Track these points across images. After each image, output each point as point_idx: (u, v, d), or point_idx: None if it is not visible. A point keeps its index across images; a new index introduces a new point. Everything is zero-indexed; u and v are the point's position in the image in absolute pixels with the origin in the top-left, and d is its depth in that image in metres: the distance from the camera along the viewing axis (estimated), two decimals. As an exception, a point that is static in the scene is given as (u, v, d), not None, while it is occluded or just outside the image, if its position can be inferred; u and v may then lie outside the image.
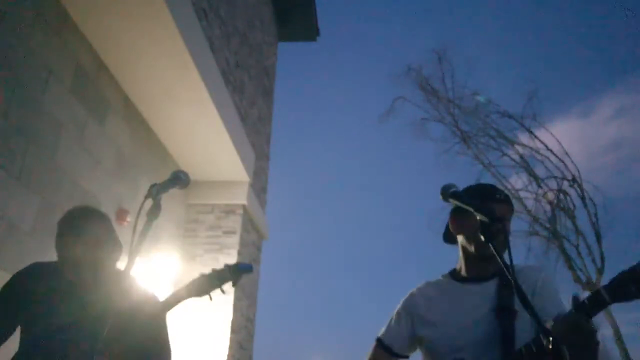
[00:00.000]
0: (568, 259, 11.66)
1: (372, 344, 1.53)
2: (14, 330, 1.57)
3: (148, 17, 3.23)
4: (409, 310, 1.49)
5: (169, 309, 1.61)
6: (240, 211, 5.76)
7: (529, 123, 12.93)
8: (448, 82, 13.92)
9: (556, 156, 12.43)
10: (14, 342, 1.54)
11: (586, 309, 1.05)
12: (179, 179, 1.39)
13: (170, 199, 5.20)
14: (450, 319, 1.38)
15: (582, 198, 12.01)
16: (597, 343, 1.03)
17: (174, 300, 1.60)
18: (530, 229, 12.36)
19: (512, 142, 13.19)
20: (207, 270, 1.65)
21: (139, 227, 1.20)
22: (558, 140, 12.44)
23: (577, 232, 11.88)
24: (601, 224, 11.58)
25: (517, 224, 12.29)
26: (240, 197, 5.76)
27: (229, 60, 5.55)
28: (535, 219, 12.34)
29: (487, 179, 12.60)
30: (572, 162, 12.25)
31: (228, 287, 1.64)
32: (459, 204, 1.25)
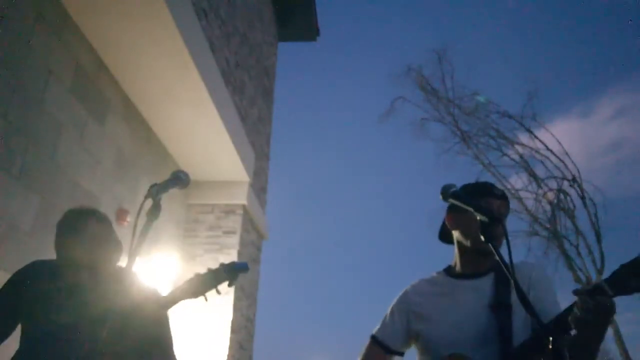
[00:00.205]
0: (568, 259, 11.67)
1: (367, 341, 1.52)
2: (14, 329, 1.57)
3: (148, 17, 3.23)
4: (404, 307, 1.49)
5: (166, 310, 1.60)
6: (240, 211, 5.76)
7: (529, 123, 12.96)
8: (448, 82, 13.96)
9: (556, 156, 12.45)
10: (14, 342, 1.54)
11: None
12: (179, 179, 1.39)
13: (170, 199, 5.20)
14: (446, 315, 1.38)
15: (582, 198, 12.02)
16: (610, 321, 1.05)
17: (169, 301, 1.59)
18: (530, 229, 12.39)
19: (512, 142, 13.21)
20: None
21: (139, 227, 1.19)
22: (558, 140, 12.46)
23: (577, 232, 11.89)
24: (601, 224, 11.61)
25: (517, 224, 12.31)
26: (240, 197, 5.76)
27: (229, 60, 5.55)
28: (535, 219, 12.35)
29: (487, 179, 12.54)
30: (572, 162, 12.28)
31: (225, 287, 1.64)
32: (459, 204, 1.25)
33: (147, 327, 1.57)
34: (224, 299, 5.20)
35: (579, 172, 12.18)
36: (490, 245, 1.15)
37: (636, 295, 1.02)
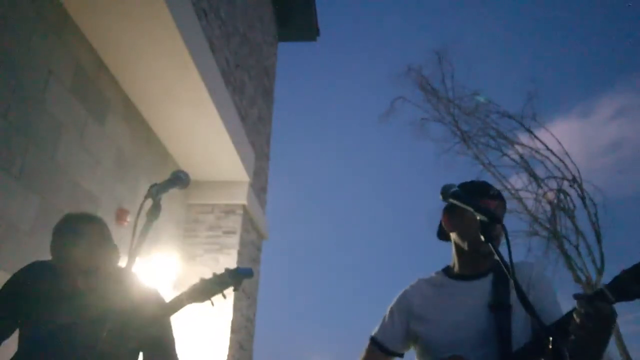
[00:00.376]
0: (568, 259, 11.67)
1: (366, 342, 1.51)
2: (14, 330, 1.57)
3: (148, 17, 3.23)
4: (403, 308, 1.48)
5: (171, 314, 1.60)
6: (240, 211, 5.76)
7: (529, 123, 12.96)
8: (448, 82, 13.95)
9: (556, 156, 12.45)
10: (13, 342, 1.54)
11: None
12: (179, 179, 1.39)
13: (170, 199, 5.20)
14: (445, 316, 1.37)
15: (582, 198, 12.02)
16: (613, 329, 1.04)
17: (176, 305, 1.59)
18: (530, 229, 12.38)
19: (512, 142, 13.21)
20: (207, 270, 1.64)
21: (139, 227, 1.19)
22: (558, 140, 12.46)
23: (577, 232, 11.89)
24: (601, 224, 11.60)
25: (517, 224, 12.31)
26: (240, 197, 5.76)
27: (229, 61, 5.55)
28: (535, 219, 12.35)
29: (487, 179, 12.54)
30: (572, 162, 12.28)
31: (229, 290, 1.64)
32: (459, 204, 1.25)
33: (147, 327, 1.56)
34: (224, 299, 5.19)
35: (579, 172, 12.20)
36: (490, 245, 1.15)
37: (637, 300, 1.02)
